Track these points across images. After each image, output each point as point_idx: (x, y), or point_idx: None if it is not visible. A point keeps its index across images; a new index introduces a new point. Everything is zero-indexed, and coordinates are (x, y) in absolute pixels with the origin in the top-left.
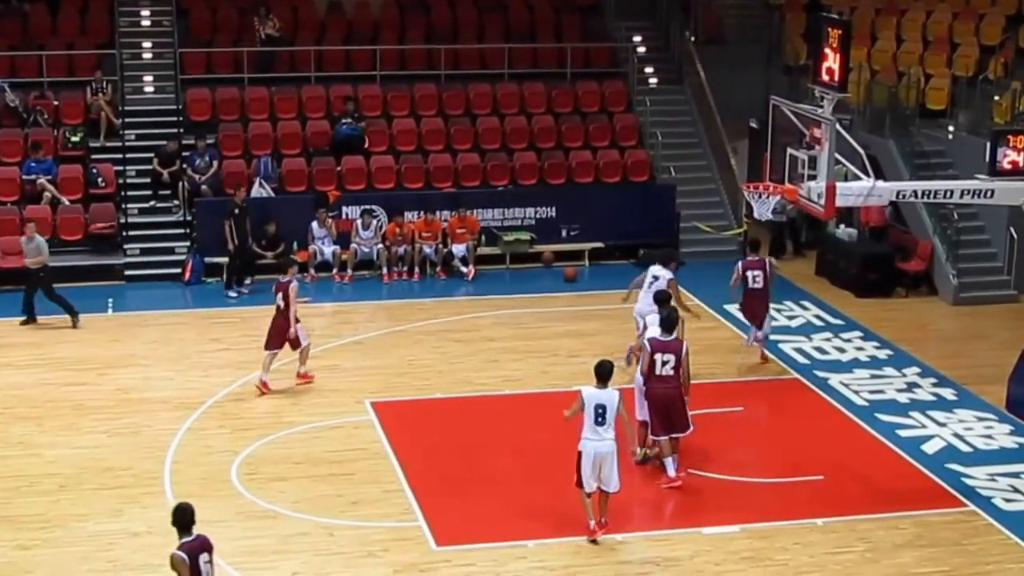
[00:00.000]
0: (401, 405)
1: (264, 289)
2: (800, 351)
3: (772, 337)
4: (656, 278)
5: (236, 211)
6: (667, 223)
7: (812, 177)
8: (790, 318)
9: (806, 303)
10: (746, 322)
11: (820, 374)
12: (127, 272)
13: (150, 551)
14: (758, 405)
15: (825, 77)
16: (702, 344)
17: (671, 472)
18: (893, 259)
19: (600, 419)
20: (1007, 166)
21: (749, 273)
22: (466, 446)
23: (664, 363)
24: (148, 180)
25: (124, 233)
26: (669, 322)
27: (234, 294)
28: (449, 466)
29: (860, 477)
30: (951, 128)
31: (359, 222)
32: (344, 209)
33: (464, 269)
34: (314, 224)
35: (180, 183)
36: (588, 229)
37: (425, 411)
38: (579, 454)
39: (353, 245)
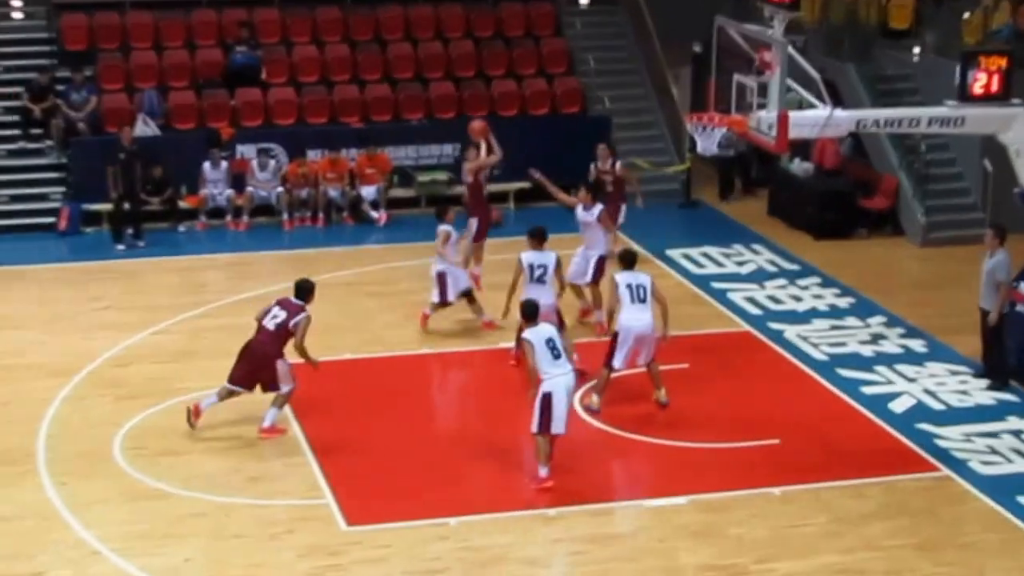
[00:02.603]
0: (306, 368)
1: (155, 241)
2: (751, 300)
3: (719, 285)
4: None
5: (122, 156)
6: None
7: (762, 106)
8: (740, 263)
9: (757, 247)
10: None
11: (774, 326)
12: None
13: (23, 538)
14: (705, 361)
15: None
16: None
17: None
18: (854, 196)
19: (554, 350)
20: (978, 91)
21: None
22: (380, 413)
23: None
24: (17, 118)
25: None
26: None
27: (122, 247)
28: (361, 436)
29: (821, 440)
30: (916, 50)
31: (256, 163)
32: (239, 148)
33: (375, 214)
34: (206, 165)
35: (53, 121)
36: (513, 167)
37: (333, 374)
38: (546, 396)
39: (249, 189)
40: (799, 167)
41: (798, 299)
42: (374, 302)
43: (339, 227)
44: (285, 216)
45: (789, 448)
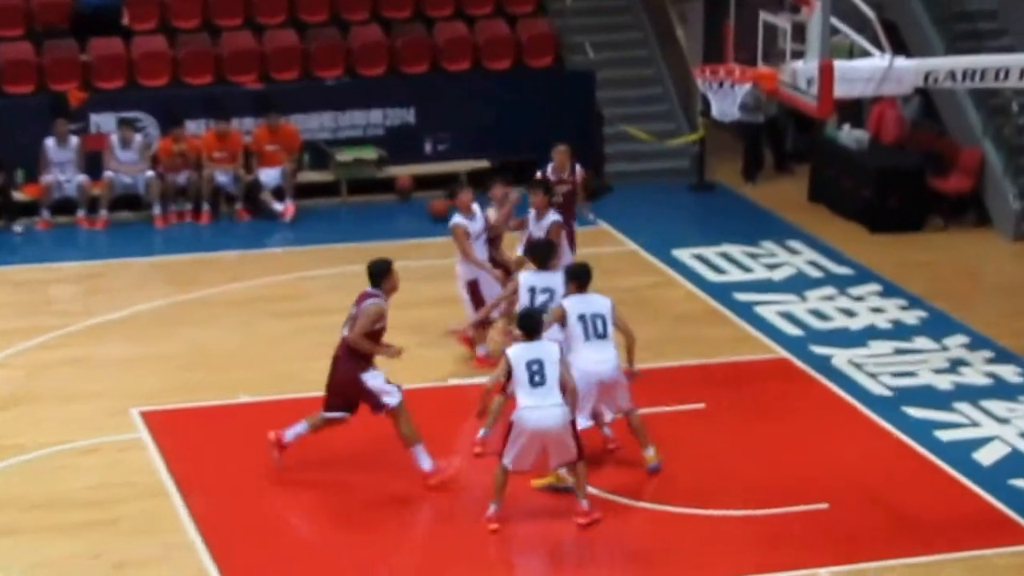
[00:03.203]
0: (187, 416)
1: None
2: (788, 317)
3: (744, 297)
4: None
5: None
6: (582, 128)
7: (799, 55)
8: (771, 267)
9: (795, 244)
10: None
11: (819, 350)
12: None
13: None
14: (726, 400)
15: None
16: (644, 309)
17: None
18: (923, 175)
19: (538, 377)
20: None
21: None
22: (286, 475)
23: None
24: None
25: None
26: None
27: None
28: (259, 506)
29: (882, 503)
30: None
31: (116, 138)
32: (93, 118)
33: (278, 206)
34: (49, 142)
35: None
36: (464, 141)
37: (224, 423)
38: (510, 425)
39: (109, 173)
40: (849, 136)
41: (851, 314)
42: (279, 325)
43: (230, 224)
44: (157, 210)
45: (840, 514)
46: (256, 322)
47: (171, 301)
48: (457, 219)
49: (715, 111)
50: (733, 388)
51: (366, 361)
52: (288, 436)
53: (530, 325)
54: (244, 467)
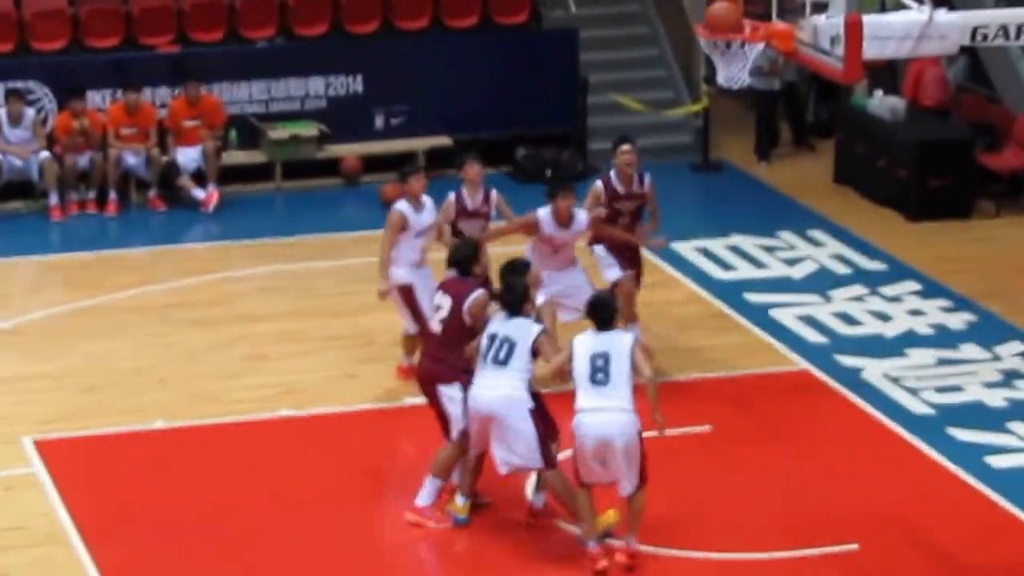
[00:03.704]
0: (89, 446)
1: None
2: (810, 321)
3: (758, 298)
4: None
5: None
6: (563, 97)
7: (821, 8)
8: (790, 262)
9: (818, 234)
10: None
11: (847, 361)
12: None
13: None
14: (738, 420)
15: None
16: (639, 314)
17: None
18: (971, 150)
19: (600, 375)
20: None
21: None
22: (210, 516)
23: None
24: None
25: None
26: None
27: None
28: (177, 556)
29: (921, 543)
30: None
31: (3, 113)
32: None
33: (199, 193)
34: None
35: None
36: (422, 114)
37: (135, 455)
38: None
39: None
40: (882, 105)
41: (885, 317)
42: (200, 336)
43: (142, 215)
44: (54, 199)
45: (873, 557)
46: (172, 333)
47: (70, 308)
48: (401, 205)
49: (722, 77)
50: (745, 407)
51: (458, 367)
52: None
53: (603, 314)
54: (159, 508)
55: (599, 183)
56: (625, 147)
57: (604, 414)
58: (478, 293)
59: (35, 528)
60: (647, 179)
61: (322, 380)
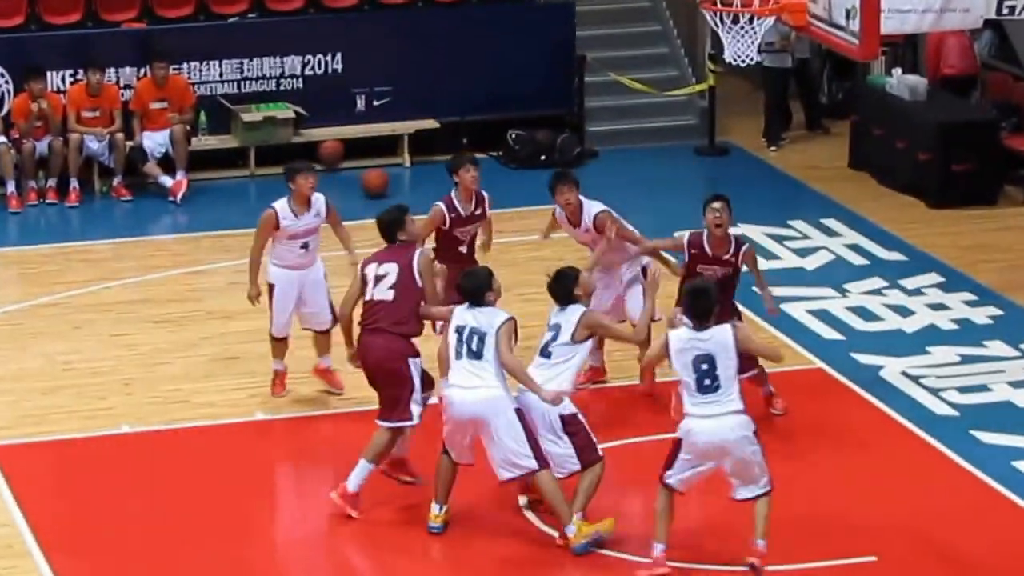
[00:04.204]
0: (49, 452)
1: None
2: (825, 316)
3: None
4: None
5: None
6: (558, 76)
7: None
8: (802, 253)
9: (833, 223)
10: None
11: (864, 359)
12: None
13: None
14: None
15: None
16: None
17: None
18: (996, 131)
19: (708, 379)
20: None
21: None
22: (181, 527)
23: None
24: None
25: None
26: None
27: None
28: (146, 567)
29: (944, 554)
30: None
31: None
32: None
33: (167, 180)
34: None
35: None
36: (406, 95)
37: (99, 462)
38: (677, 443)
39: None
40: (901, 84)
41: (904, 312)
42: (166, 335)
43: (106, 203)
44: (11, 187)
45: (893, 568)
46: (136, 332)
47: (28, 305)
48: (278, 204)
49: (729, 54)
50: (755, 408)
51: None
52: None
53: (702, 307)
54: (125, 518)
55: (686, 238)
56: (716, 204)
57: (715, 420)
58: (424, 249)
59: None
60: (745, 247)
61: (297, 382)
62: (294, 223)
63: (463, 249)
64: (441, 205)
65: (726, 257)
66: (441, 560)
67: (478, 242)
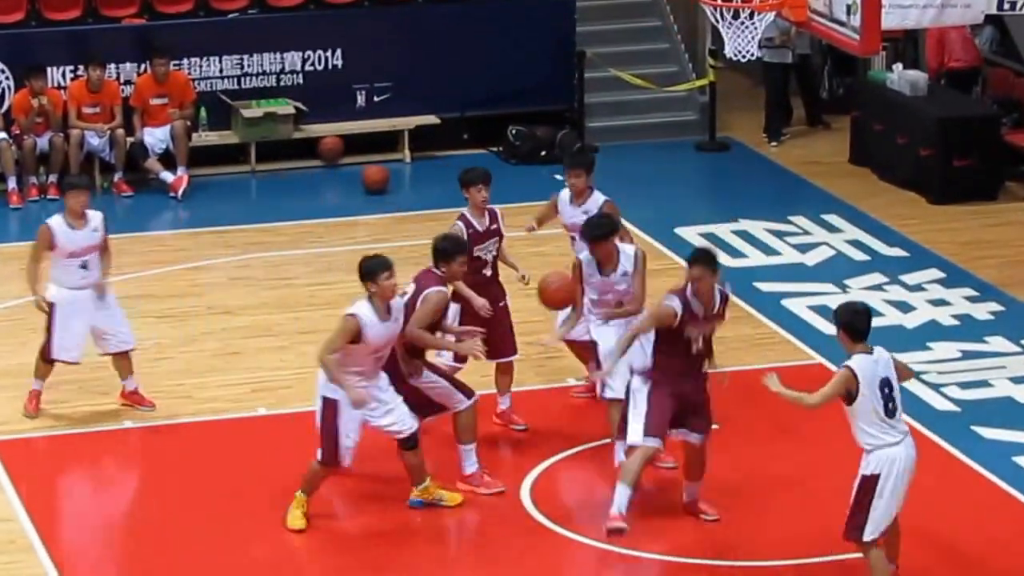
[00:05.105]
0: (52, 447)
1: None
2: (825, 312)
3: (769, 287)
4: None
5: None
6: (557, 72)
7: None
8: (803, 248)
9: (833, 218)
10: None
11: None
12: None
13: None
14: (748, 419)
15: None
16: None
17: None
18: (997, 126)
19: (891, 404)
20: None
21: None
22: (183, 521)
23: None
24: None
25: None
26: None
27: None
28: (148, 562)
29: (947, 549)
30: None
31: None
32: None
33: (168, 176)
34: None
35: None
36: (406, 91)
37: (102, 456)
38: (872, 479)
39: None
40: (902, 79)
41: (905, 307)
42: (168, 330)
43: (107, 199)
44: (11, 183)
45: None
46: (138, 326)
47: (29, 300)
48: (53, 221)
49: (729, 49)
50: (755, 404)
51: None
52: None
53: (862, 324)
54: (128, 513)
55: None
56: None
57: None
58: (437, 289)
59: None
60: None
61: (299, 376)
62: (71, 238)
63: (487, 272)
64: (460, 224)
65: (715, 311)
66: (442, 556)
67: (515, 276)
